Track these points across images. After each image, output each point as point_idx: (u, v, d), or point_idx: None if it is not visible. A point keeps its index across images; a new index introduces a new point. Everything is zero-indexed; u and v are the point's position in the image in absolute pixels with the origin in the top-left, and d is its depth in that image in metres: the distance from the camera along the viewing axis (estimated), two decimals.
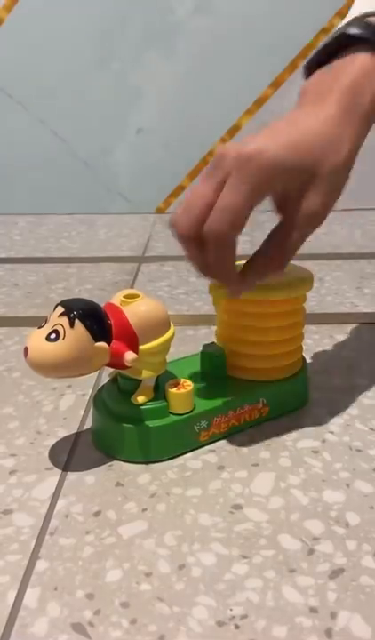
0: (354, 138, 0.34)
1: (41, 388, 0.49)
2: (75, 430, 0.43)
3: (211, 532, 0.33)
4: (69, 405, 0.47)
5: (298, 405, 0.46)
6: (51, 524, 0.34)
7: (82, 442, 0.42)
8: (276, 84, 0.98)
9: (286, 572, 0.31)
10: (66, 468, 0.39)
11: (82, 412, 0.46)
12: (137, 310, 0.38)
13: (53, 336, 0.35)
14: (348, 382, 0.49)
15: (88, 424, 0.44)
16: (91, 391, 0.49)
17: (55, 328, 0.35)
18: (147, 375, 0.39)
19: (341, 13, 0.93)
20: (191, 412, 0.40)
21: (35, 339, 0.35)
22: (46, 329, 0.35)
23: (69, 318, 0.35)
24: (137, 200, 1.06)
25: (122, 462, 0.39)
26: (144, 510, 0.35)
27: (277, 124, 0.34)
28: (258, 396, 0.43)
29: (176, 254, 0.83)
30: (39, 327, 0.36)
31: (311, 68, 0.38)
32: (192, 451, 0.41)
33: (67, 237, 0.93)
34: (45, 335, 0.35)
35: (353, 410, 0.45)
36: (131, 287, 0.72)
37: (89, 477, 0.38)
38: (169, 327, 0.39)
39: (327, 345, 0.55)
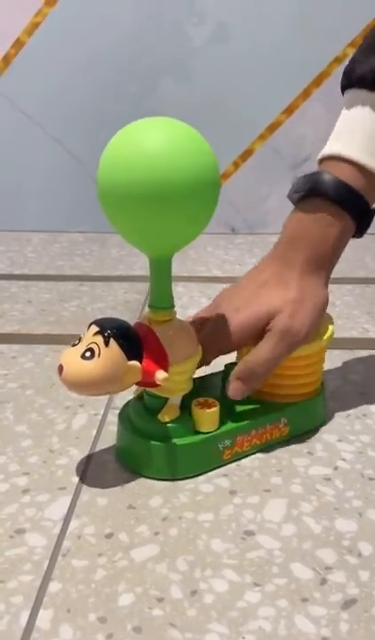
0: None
1: (54, 407, 0.49)
2: (88, 450, 0.43)
3: (224, 559, 0.33)
4: (82, 424, 0.47)
5: (316, 425, 0.46)
6: (64, 545, 0.34)
7: (94, 462, 0.42)
8: (290, 111, 1.00)
9: (299, 602, 0.31)
10: (78, 488, 0.39)
11: (94, 432, 0.46)
12: (168, 330, 0.38)
13: (88, 354, 0.35)
14: (360, 409, 0.49)
15: (100, 444, 0.44)
16: (103, 411, 0.49)
17: (90, 346, 0.35)
18: (174, 394, 0.40)
19: (354, 43, 0.95)
20: (216, 430, 0.41)
21: (71, 356, 0.36)
22: (81, 347, 0.36)
23: (104, 337, 0.36)
24: None
25: (133, 484, 0.40)
26: (156, 534, 0.35)
27: (301, 301, 0.42)
28: (279, 416, 0.43)
29: (187, 275, 0.84)
30: (73, 345, 0.37)
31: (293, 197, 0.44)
32: (215, 469, 0.41)
33: (80, 255, 0.94)
34: (80, 353, 0.35)
35: (365, 437, 0.45)
36: (143, 306, 0.72)
37: (101, 499, 0.38)
38: (198, 347, 0.40)
39: (339, 371, 0.56)
